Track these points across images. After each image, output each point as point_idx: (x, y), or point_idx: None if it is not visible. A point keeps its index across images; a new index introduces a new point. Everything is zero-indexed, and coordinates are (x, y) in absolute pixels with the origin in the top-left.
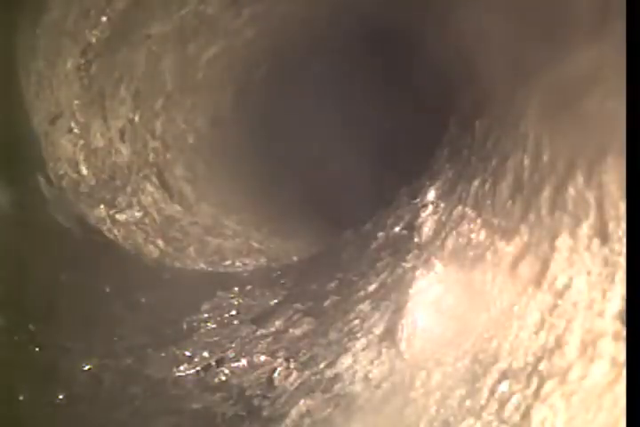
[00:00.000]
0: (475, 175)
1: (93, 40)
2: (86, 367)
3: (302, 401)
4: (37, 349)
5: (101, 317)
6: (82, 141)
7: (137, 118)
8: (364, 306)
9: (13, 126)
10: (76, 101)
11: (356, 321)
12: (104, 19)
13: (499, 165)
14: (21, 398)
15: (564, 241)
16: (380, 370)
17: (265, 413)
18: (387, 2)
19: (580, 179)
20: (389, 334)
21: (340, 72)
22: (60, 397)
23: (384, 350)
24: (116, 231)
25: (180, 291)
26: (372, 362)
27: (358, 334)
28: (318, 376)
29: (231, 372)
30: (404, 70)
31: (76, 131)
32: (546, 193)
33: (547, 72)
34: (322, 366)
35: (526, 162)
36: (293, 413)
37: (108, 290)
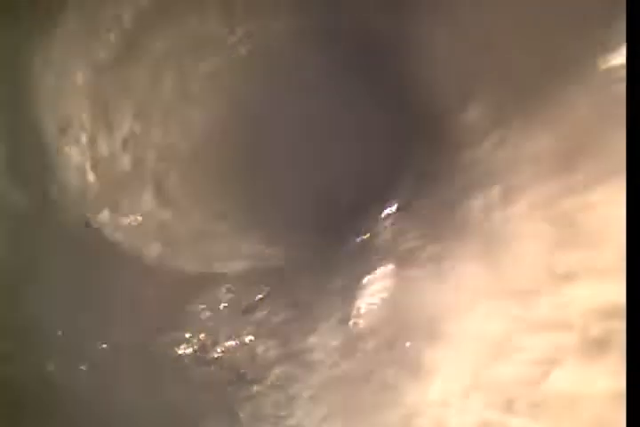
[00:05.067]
0: (437, 194)
1: (102, 56)
2: (104, 346)
3: (278, 368)
4: (60, 333)
5: (110, 308)
6: (88, 151)
7: (138, 130)
8: (332, 298)
9: (27, 136)
10: (83, 114)
11: (325, 310)
12: (112, 36)
13: (463, 188)
14: (51, 368)
15: None
16: (336, 342)
17: (249, 377)
18: (380, 19)
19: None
20: (345, 318)
21: (331, 88)
22: (83, 368)
23: (341, 329)
24: (118, 234)
25: (177, 287)
26: (331, 338)
27: (324, 319)
28: (291, 350)
29: (223, 350)
30: (395, 88)
31: (83, 141)
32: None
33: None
34: (294, 342)
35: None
36: (271, 375)
37: (112, 286)
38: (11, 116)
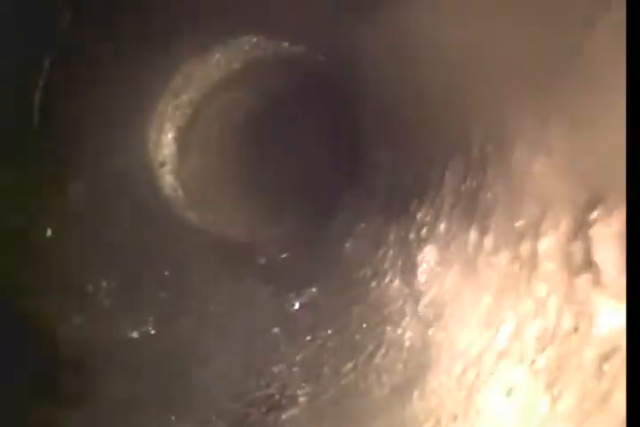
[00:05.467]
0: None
1: (183, 123)
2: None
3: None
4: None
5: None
6: (177, 178)
7: (203, 166)
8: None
9: (143, 169)
10: (173, 157)
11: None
12: (185, 112)
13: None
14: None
15: None
16: None
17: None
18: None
19: None
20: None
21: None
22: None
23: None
24: (200, 224)
25: (231, 250)
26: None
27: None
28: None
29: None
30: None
31: (173, 172)
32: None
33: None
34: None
35: None
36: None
37: (193, 252)
38: (137, 156)
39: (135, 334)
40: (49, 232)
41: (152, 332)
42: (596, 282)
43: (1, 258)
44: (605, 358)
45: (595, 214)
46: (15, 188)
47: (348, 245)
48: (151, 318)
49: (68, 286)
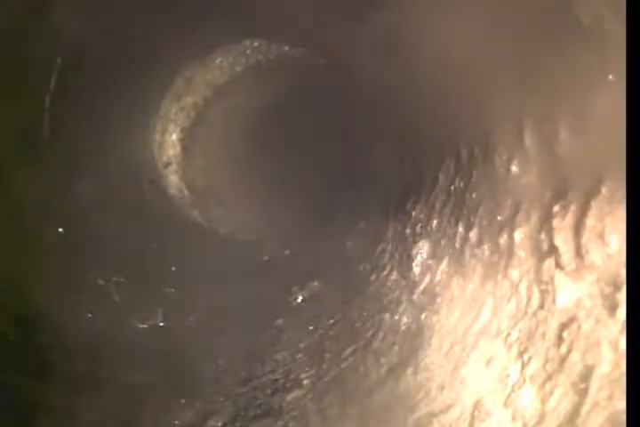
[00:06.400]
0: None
1: (187, 125)
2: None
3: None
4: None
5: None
6: (181, 178)
7: (207, 166)
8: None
9: (149, 169)
10: (177, 158)
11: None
12: (191, 115)
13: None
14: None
15: None
16: None
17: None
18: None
19: None
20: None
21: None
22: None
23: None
24: (205, 222)
25: (238, 246)
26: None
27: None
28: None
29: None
30: None
31: (178, 172)
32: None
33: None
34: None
35: None
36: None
37: (199, 249)
38: (143, 156)
39: (145, 326)
40: (60, 231)
41: (161, 324)
42: (558, 264)
43: (17, 256)
44: (564, 326)
45: (556, 208)
46: (28, 188)
47: (348, 241)
48: (160, 312)
49: (81, 281)
